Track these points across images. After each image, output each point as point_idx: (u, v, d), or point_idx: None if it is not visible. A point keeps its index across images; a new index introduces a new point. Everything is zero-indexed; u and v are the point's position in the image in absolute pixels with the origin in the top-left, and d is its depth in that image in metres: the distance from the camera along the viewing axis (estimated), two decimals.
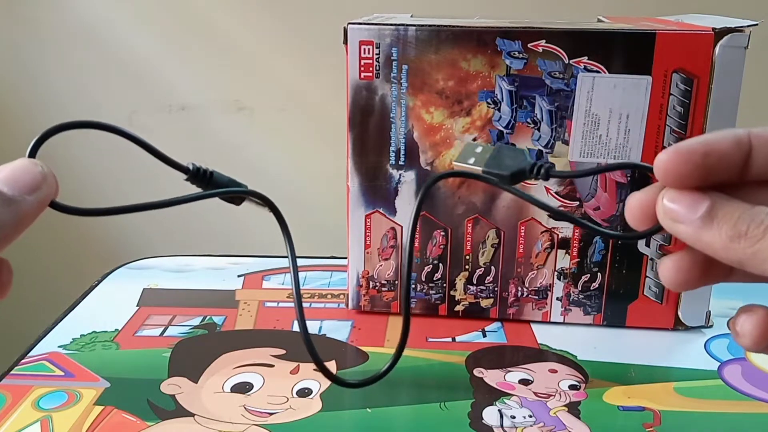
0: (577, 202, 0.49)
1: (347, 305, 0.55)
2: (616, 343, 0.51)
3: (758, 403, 0.44)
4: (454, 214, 0.51)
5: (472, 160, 0.31)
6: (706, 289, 0.51)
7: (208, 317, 0.54)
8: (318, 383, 0.45)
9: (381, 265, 0.52)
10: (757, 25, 0.45)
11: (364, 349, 0.50)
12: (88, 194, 1.11)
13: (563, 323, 0.53)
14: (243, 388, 0.45)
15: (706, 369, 0.47)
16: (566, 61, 0.46)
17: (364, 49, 0.47)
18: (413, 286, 0.52)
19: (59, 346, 0.51)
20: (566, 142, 0.48)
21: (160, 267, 0.67)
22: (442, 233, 0.51)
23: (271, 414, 0.42)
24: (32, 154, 0.27)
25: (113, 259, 0.72)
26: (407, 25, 0.47)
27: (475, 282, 0.52)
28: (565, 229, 0.50)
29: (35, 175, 0.26)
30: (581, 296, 0.52)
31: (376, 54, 0.47)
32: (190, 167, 0.29)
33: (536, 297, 0.52)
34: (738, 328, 0.26)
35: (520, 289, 0.52)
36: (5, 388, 0.45)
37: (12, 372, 0.48)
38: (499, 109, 0.48)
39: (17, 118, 1.08)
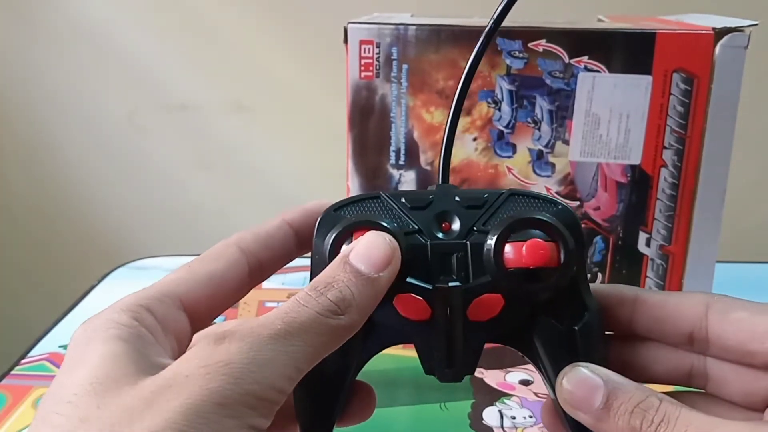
0: (578, 202, 0.49)
1: None
2: None
3: None
4: None
5: None
6: (706, 289, 0.51)
7: None
8: None
9: None
10: (757, 25, 0.45)
11: None
12: (89, 194, 1.11)
13: None
14: None
15: None
16: (566, 61, 0.46)
17: (364, 49, 0.47)
18: None
19: (59, 346, 0.51)
20: (566, 142, 0.48)
21: (160, 267, 0.67)
22: None
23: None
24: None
25: (113, 259, 0.72)
26: (407, 24, 0.47)
27: None
28: None
29: (385, 250, 0.26)
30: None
31: (376, 53, 0.47)
32: None
33: None
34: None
35: None
36: (5, 388, 0.45)
37: (12, 372, 0.48)
38: (499, 109, 0.48)
39: (17, 118, 1.08)
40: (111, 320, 0.25)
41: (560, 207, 0.29)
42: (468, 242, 0.28)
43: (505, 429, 0.42)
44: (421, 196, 0.30)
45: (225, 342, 0.23)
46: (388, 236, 0.27)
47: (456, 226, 0.29)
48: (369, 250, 0.26)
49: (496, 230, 0.28)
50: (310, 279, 0.28)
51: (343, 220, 0.28)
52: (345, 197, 0.30)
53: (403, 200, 0.29)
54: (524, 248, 0.27)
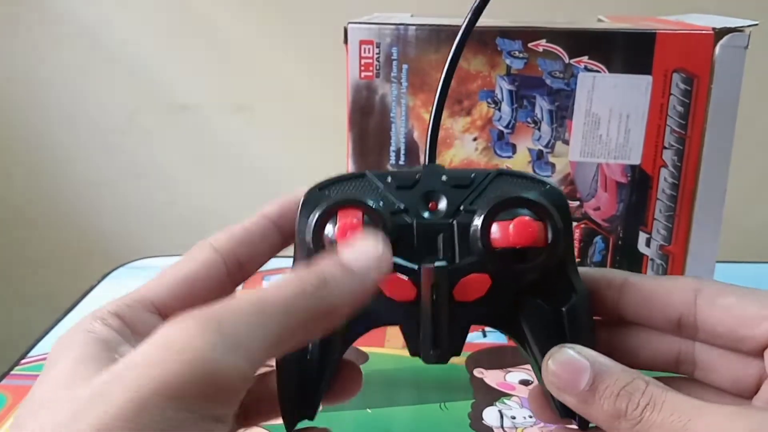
0: (578, 202, 0.49)
1: None
2: None
3: None
4: None
5: None
6: None
7: None
8: None
9: None
10: (757, 25, 0.45)
11: (364, 349, 0.50)
12: (89, 194, 1.11)
13: None
14: None
15: None
16: (566, 61, 0.46)
17: (365, 49, 0.47)
18: None
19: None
20: (566, 142, 0.48)
21: (160, 267, 0.67)
22: None
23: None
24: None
25: (113, 259, 0.72)
26: (407, 24, 0.47)
27: None
28: None
29: (378, 252, 0.25)
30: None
31: (377, 53, 0.47)
32: None
33: None
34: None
35: None
36: (5, 388, 0.45)
37: (12, 372, 0.48)
38: (499, 109, 0.48)
39: (17, 118, 1.08)
40: (80, 330, 0.25)
41: (548, 187, 0.29)
42: (455, 222, 0.28)
43: (505, 429, 0.42)
44: (407, 175, 0.29)
45: (183, 323, 0.21)
46: (380, 237, 0.26)
47: (443, 205, 0.29)
48: (361, 249, 0.25)
49: (483, 209, 0.27)
50: (293, 260, 0.27)
51: (327, 199, 0.28)
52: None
53: (389, 179, 0.29)
54: (511, 227, 0.27)
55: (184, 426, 0.20)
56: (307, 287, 0.23)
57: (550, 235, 0.27)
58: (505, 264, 0.27)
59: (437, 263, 0.27)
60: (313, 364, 0.28)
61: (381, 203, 0.28)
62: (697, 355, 0.29)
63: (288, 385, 0.28)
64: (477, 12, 0.32)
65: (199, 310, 0.22)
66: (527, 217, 0.27)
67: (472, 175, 0.29)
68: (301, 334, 0.23)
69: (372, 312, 0.28)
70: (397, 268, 0.27)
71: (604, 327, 0.30)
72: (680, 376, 0.30)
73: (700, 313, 0.28)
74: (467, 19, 0.32)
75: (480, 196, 0.29)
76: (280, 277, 0.24)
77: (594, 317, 0.29)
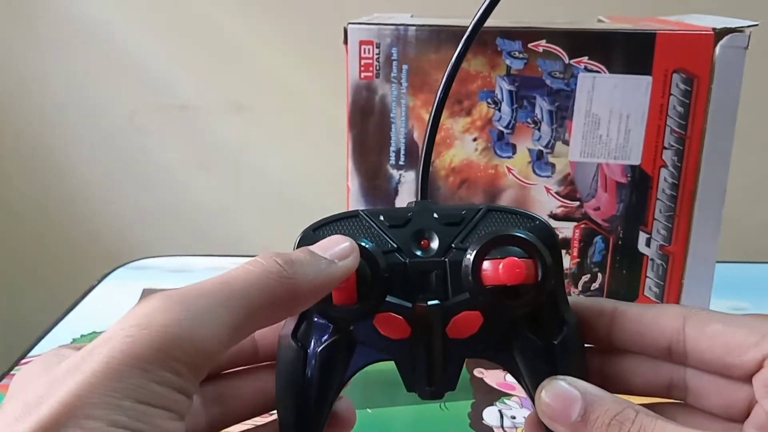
0: (578, 203, 0.49)
1: None
2: None
3: None
4: None
5: None
6: (706, 289, 0.51)
7: None
8: None
9: None
10: (757, 25, 0.45)
11: None
12: (89, 194, 1.11)
13: None
14: None
15: None
16: (566, 61, 0.46)
17: (364, 49, 0.47)
18: None
19: (59, 347, 0.51)
20: (566, 142, 0.48)
21: (160, 267, 0.67)
22: None
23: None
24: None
25: (113, 259, 0.72)
26: (407, 25, 0.47)
27: None
28: (566, 229, 0.50)
29: (345, 246, 0.27)
30: (581, 296, 0.52)
31: (376, 54, 0.47)
32: None
33: None
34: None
35: None
36: (5, 388, 0.45)
37: (12, 372, 0.48)
38: (499, 109, 0.48)
39: (18, 118, 1.08)
40: (52, 353, 0.26)
41: (537, 222, 0.29)
42: (446, 260, 0.29)
43: (505, 429, 0.42)
44: (399, 213, 0.30)
45: (153, 300, 0.23)
46: (349, 239, 0.27)
47: (435, 243, 0.29)
48: (329, 243, 0.27)
49: (473, 248, 0.28)
50: None
51: None
52: (323, 217, 0.30)
53: (381, 218, 0.30)
54: (501, 266, 0.27)
55: (151, 394, 0.21)
56: (272, 267, 0.25)
57: (539, 272, 0.28)
58: (496, 301, 0.28)
59: (430, 302, 0.28)
60: (311, 402, 0.29)
61: (374, 243, 0.29)
62: (689, 381, 0.29)
63: (288, 423, 0.29)
64: (482, 18, 0.32)
65: (169, 290, 0.23)
66: (516, 258, 0.27)
67: (463, 212, 0.30)
68: (265, 314, 0.25)
69: (368, 349, 0.29)
70: (391, 306, 0.28)
71: (598, 355, 0.31)
72: (673, 401, 0.30)
73: (689, 340, 0.29)
74: (467, 35, 0.32)
75: (471, 234, 0.29)
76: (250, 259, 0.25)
77: (587, 345, 0.30)
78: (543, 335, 0.29)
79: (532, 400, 0.28)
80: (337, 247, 0.27)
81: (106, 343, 0.22)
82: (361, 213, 0.30)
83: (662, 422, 0.25)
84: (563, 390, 0.26)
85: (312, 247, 0.27)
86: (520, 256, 0.27)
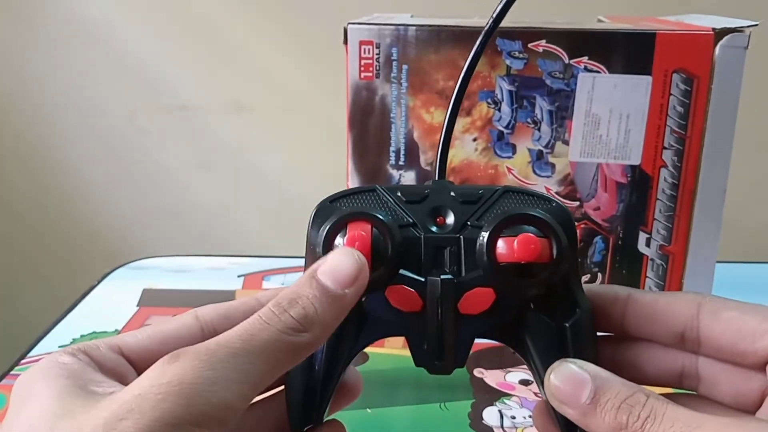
0: (578, 202, 0.49)
1: None
2: None
3: None
4: None
5: None
6: (707, 289, 0.51)
7: None
8: None
9: None
10: (757, 25, 0.45)
11: (365, 349, 0.50)
12: (89, 194, 1.11)
13: None
14: None
15: None
16: (566, 61, 0.46)
17: (364, 49, 0.47)
18: None
19: (59, 347, 0.51)
20: (566, 142, 0.48)
21: (160, 267, 0.67)
22: None
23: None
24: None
25: (113, 259, 0.72)
26: (407, 25, 0.47)
27: None
28: None
29: (353, 267, 0.27)
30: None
31: (376, 54, 0.47)
32: None
33: None
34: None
35: None
36: (5, 388, 0.45)
37: (12, 372, 0.48)
38: (499, 109, 0.48)
39: (18, 118, 1.08)
40: (52, 361, 0.26)
41: (554, 204, 0.29)
42: (461, 236, 0.29)
43: (505, 429, 0.42)
44: (416, 190, 0.30)
45: (179, 360, 0.24)
46: (357, 253, 0.27)
47: (450, 220, 0.29)
48: (337, 266, 0.26)
49: (489, 225, 0.28)
50: (304, 268, 0.28)
51: (338, 211, 0.29)
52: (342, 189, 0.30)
53: (398, 194, 0.30)
54: (516, 243, 0.27)
55: None
56: (289, 324, 0.25)
57: (554, 252, 0.28)
58: (509, 279, 0.28)
59: (443, 276, 0.28)
60: (319, 374, 0.29)
61: (390, 216, 0.29)
62: (701, 370, 0.29)
63: (295, 394, 0.29)
64: (495, 22, 0.32)
65: (192, 347, 0.24)
66: (531, 234, 0.27)
67: (480, 191, 0.30)
68: (286, 366, 0.25)
69: (379, 322, 0.29)
70: (404, 279, 0.28)
71: (610, 342, 0.30)
72: (685, 392, 0.30)
73: (703, 327, 0.28)
74: (479, 41, 0.32)
75: (487, 212, 0.29)
76: (265, 309, 0.25)
77: (600, 333, 0.29)
78: (555, 317, 0.28)
79: (541, 382, 0.28)
80: (347, 270, 0.26)
81: (141, 400, 0.23)
82: (379, 187, 0.30)
83: (673, 406, 0.24)
84: (573, 372, 0.26)
85: (321, 274, 0.26)
86: (534, 235, 0.27)
